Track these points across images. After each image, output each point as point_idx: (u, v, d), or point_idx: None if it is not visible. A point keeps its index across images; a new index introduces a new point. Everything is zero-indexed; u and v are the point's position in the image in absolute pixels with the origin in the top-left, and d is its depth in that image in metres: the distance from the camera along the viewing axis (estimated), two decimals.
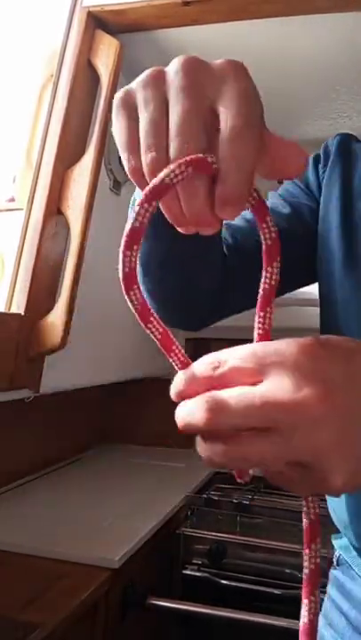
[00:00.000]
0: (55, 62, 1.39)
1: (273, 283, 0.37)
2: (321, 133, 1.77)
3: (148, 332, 0.37)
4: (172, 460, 2.01)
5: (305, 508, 0.37)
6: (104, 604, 1.14)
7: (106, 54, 1.39)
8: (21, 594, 1.03)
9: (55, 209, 1.38)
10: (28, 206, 1.37)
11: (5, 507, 1.46)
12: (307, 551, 0.37)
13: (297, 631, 0.37)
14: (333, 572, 0.76)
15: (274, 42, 1.39)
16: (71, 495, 1.59)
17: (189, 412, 0.33)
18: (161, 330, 0.37)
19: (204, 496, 1.62)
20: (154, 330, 0.37)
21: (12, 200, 1.43)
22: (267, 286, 0.37)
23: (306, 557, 0.37)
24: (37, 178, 1.37)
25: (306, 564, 0.37)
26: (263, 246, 0.36)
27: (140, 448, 2.20)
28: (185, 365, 0.36)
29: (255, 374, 0.32)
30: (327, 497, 0.75)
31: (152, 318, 0.36)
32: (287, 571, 1.35)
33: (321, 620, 0.74)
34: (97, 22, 1.41)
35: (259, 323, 0.37)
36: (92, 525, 1.35)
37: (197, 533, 1.46)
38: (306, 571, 0.37)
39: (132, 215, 0.35)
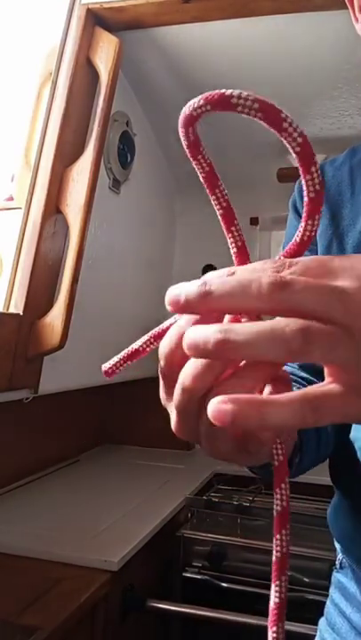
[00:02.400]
0: (54, 60, 1.38)
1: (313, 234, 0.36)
2: (323, 132, 1.77)
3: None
4: (173, 461, 2.00)
5: (276, 499, 0.37)
6: (103, 607, 1.13)
7: (105, 52, 1.38)
8: (20, 597, 1.02)
9: (54, 208, 1.37)
10: (26, 205, 1.36)
11: (4, 508, 1.45)
12: (276, 582, 0.37)
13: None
14: (336, 575, 0.75)
15: (275, 40, 1.38)
16: (70, 497, 1.58)
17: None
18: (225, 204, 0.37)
19: (205, 498, 1.61)
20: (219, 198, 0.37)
21: (11, 199, 1.43)
22: (305, 237, 0.36)
23: (276, 543, 0.37)
24: (36, 177, 1.37)
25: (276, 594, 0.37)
26: (306, 199, 0.34)
27: (140, 449, 2.19)
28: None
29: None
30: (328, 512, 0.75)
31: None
32: (288, 573, 1.33)
33: (323, 623, 0.73)
34: (96, 20, 1.40)
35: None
36: (91, 527, 1.34)
37: (198, 535, 1.45)
38: (277, 555, 0.37)
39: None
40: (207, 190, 0.37)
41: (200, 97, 0.33)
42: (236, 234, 0.38)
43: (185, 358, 0.34)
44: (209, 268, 2.15)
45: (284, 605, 0.37)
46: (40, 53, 1.42)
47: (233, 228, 0.38)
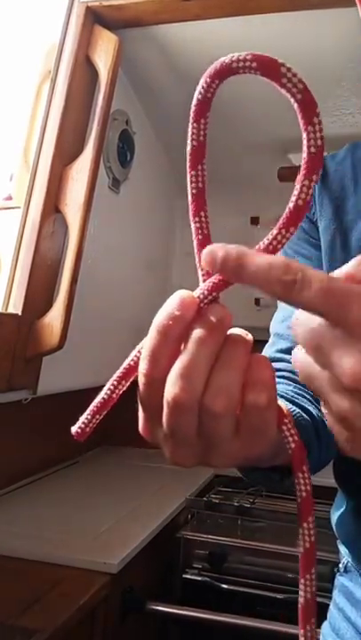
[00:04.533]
0: (53, 58, 1.37)
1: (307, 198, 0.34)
2: (325, 130, 1.75)
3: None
4: None
5: (301, 537, 0.37)
6: (103, 609, 1.12)
7: (105, 50, 1.37)
8: (19, 598, 1.01)
9: (53, 207, 1.36)
10: (25, 205, 1.35)
11: (3, 510, 1.44)
12: (302, 580, 0.37)
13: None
14: (340, 579, 0.74)
15: (276, 38, 1.37)
16: (69, 498, 1.58)
17: None
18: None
19: (205, 499, 1.60)
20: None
21: (10, 198, 1.42)
22: (300, 203, 0.34)
23: (301, 587, 0.37)
24: (35, 176, 1.36)
25: (301, 542, 0.37)
26: (305, 154, 0.33)
27: (140, 450, 2.18)
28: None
29: None
30: (331, 513, 0.74)
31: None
32: (289, 575, 1.33)
33: (327, 628, 0.73)
34: (95, 17, 1.39)
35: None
36: (90, 529, 1.33)
37: (198, 537, 1.45)
38: (301, 549, 0.37)
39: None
40: (189, 163, 0.36)
41: (247, 52, 0.31)
42: (203, 220, 0.37)
43: (168, 372, 0.35)
44: None
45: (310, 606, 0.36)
46: (39, 51, 1.41)
47: (202, 213, 0.36)
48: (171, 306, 0.35)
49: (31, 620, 0.94)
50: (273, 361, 0.72)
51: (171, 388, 0.35)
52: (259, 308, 2.01)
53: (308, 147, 0.31)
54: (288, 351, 0.71)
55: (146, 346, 0.36)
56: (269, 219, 2.09)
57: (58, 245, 1.40)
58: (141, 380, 0.37)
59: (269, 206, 2.06)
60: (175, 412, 0.35)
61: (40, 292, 1.36)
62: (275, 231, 0.34)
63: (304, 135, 0.31)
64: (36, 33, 1.42)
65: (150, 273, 2.01)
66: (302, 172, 0.32)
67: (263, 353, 0.75)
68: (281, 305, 0.78)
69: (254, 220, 2.12)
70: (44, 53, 1.40)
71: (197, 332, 0.35)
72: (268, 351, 0.74)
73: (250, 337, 0.37)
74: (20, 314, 1.31)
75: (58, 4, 1.38)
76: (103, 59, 1.37)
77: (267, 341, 0.76)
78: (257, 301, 2.04)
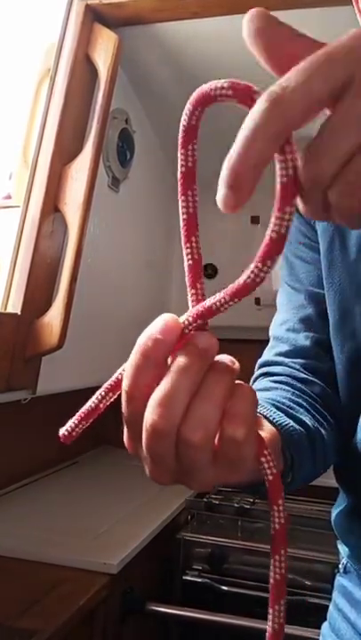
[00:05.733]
0: (52, 57, 1.37)
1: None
2: None
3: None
4: None
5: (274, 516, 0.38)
6: (103, 611, 1.12)
7: (104, 48, 1.37)
8: (17, 600, 1.01)
9: (52, 206, 1.36)
10: (24, 204, 1.35)
11: (1, 511, 1.43)
12: (270, 611, 0.37)
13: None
14: (340, 580, 0.74)
15: None
16: (69, 499, 1.57)
17: None
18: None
19: (205, 500, 1.60)
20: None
21: (9, 197, 1.42)
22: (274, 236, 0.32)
23: (269, 617, 0.37)
24: (34, 175, 1.35)
25: (271, 573, 0.37)
26: (278, 185, 0.31)
27: None
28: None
29: None
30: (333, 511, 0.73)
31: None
32: (290, 576, 1.33)
33: (327, 628, 0.73)
34: (95, 16, 1.39)
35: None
36: (89, 529, 1.33)
37: (198, 538, 1.44)
38: (272, 580, 0.37)
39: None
40: (180, 188, 0.35)
41: (226, 80, 0.30)
42: (194, 245, 0.36)
43: (149, 395, 0.35)
44: (209, 267, 2.14)
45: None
46: (38, 50, 1.41)
47: (193, 238, 0.36)
48: (154, 328, 0.35)
49: (30, 621, 0.94)
50: (272, 364, 0.71)
51: (149, 414, 0.34)
52: (259, 308, 2.00)
53: (281, 175, 0.30)
54: (288, 354, 0.71)
55: (128, 365, 0.36)
56: (270, 218, 2.09)
57: (57, 244, 1.40)
58: (123, 397, 0.37)
59: (270, 205, 2.05)
60: (153, 438, 0.35)
61: (39, 291, 1.35)
62: (252, 265, 0.32)
63: (276, 163, 0.30)
64: (36, 31, 1.41)
65: (150, 272, 2.00)
66: (276, 203, 0.31)
67: (263, 356, 0.75)
68: (280, 308, 0.77)
69: (255, 220, 2.11)
70: (43, 52, 1.40)
71: (180, 360, 0.34)
72: (268, 355, 0.74)
73: (236, 365, 0.36)
74: (19, 313, 1.30)
75: (57, 2, 1.38)
76: (103, 57, 1.37)
77: (267, 340, 0.76)
78: (257, 301, 2.03)
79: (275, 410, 0.56)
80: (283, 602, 0.37)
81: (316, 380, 0.68)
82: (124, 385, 0.36)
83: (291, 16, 1.29)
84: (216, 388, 0.35)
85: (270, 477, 0.37)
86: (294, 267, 0.75)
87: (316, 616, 0.78)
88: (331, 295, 0.68)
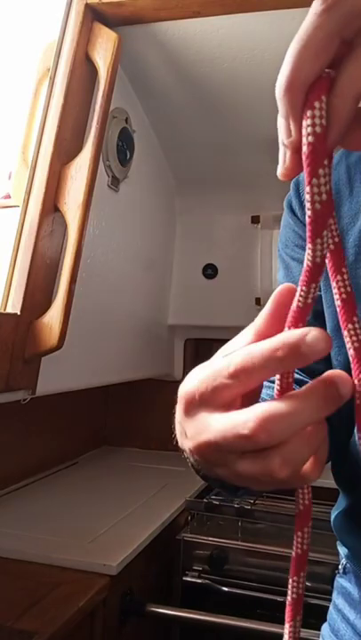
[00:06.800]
0: (52, 56, 1.36)
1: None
2: None
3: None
4: (172, 463, 1.98)
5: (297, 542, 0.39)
6: (102, 612, 1.12)
7: (104, 48, 1.36)
8: (17, 601, 1.01)
9: (52, 206, 1.35)
10: (24, 203, 1.34)
11: (1, 511, 1.43)
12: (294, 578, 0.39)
13: None
14: (339, 580, 0.74)
15: (277, 35, 1.36)
16: (68, 500, 1.57)
17: None
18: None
19: (205, 500, 1.59)
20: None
21: (8, 197, 1.41)
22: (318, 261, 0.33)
23: (291, 583, 0.39)
24: (34, 174, 1.35)
25: (294, 548, 0.39)
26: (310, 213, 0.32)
27: (139, 451, 2.18)
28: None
29: None
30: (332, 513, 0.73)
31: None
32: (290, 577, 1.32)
33: (326, 629, 0.73)
34: (95, 15, 1.38)
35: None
36: (89, 531, 1.32)
37: (198, 539, 1.44)
38: (293, 554, 0.39)
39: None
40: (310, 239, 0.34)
41: None
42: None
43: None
44: (209, 267, 2.13)
45: None
46: (38, 49, 1.40)
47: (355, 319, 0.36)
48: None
49: (30, 623, 0.94)
50: None
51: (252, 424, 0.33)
52: (260, 308, 1.99)
53: (312, 202, 0.31)
54: None
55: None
56: (270, 217, 2.08)
57: (57, 244, 1.39)
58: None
59: (270, 205, 2.05)
60: (241, 442, 0.34)
61: (39, 291, 1.35)
62: (299, 288, 0.34)
63: (307, 189, 0.31)
64: (35, 30, 1.41)
65: (150, 272, 2.00)
66: (308, 230, 0.32)
67: None
68: None
69: (255, 219, 2.11)
70: (42, 51, 1.39)
71: (319, 390, 0.34)
72: None
73: None
74: (18, 313, 1.30)
75: (57, 1, 1.37)
76: (102, 56, 1.36)
77: None
78: (258, 301, 2.03)
79: None
80: (303, 574, 0.38)
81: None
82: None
83: (296, 14, 1.29)
84: (320, 432, 0.35)
85: (301, 508, 0.39)
86: (290, 268, 0.75)
87: (316, 617, 0.77)
88: (329, 297, 0.67)
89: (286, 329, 0.35)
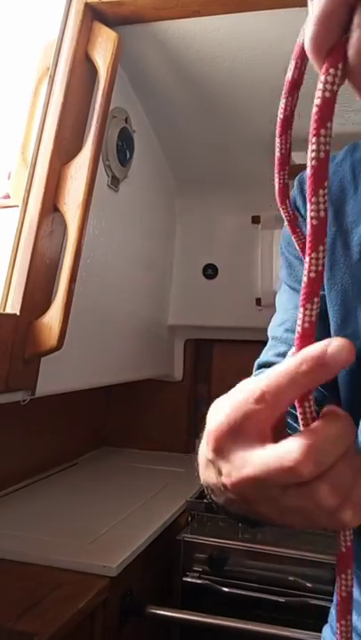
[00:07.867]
0: (52, 55, 1.36)
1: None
2: None
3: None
4: (172, 464, 1.98)
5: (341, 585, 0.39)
6: (102, 613, 1.11)
7: (104, 47, 1.36)
8: (16, 602, 1.00)
9: (51, 206, 1.35)
10: (23, 203, 1.34)
11: (0, 512, 1.43)
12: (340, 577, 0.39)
13: None
14: None
15: (278, 34, 1.36)
16: (68, 500, 1.57)
17: None
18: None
19: (205, 501, 1.58)
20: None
21: (7, 197, 1.41)
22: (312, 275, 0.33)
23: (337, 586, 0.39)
24: (33, 174, 1.34)
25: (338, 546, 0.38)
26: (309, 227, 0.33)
27: (139, 452, 2.17)
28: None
29: None
30: None
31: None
32: (291, 578, 1.32)
33: (327, 631, 0.72)
34: (95, 14, 1.38)
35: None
36: (89, 531, 1.32)
37: (198, 540, 1.44)
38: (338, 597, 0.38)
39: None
40: (278, 131, 0.36)
41: None
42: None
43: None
44: (209, 267, 2.13)
45: None
46: (37, 48, 1.40)
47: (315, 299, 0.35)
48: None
49: (29, 624, 0.93)
50: (271, 365, 0.70)
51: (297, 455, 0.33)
52: (260, 308, 1.99)
53: (311, 217, 0.31)
54: (286, 355, 0.70)
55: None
56: (270, 218, 2.08)
57: (56, 244, 1.39)
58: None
59: (270, 205, 2.04)
60: (286, 475, 0.34)
61: (38, 291, 1.34)
62: (300, 309, 0.34)
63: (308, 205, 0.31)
64: (35, 29, 1.41)
65: (150, 272, 1.99)
66: (308, 243, 0.32)
67: (261, 357, 0.74)
68: (279, 308, 0.77)
69: (255, 219, 2.10)
70: (42, 50, 1.39)
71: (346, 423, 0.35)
72: (266, 355, 0.73)
73: None
74: (18, 314, 1.30)
75: (56, 0, 1.37)
76: (102, 56, 1.36)
77: (267, 341, 0.75)
78: (258, 301, 2.02)
79: None
80: (350, 571, 0.38)
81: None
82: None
83: (302, 13, 1.28)
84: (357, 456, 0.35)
85: (343, 550, 0.39)
86: (294, 267, 0.75)
87: (316, 618, 0.77)
88: (333, 296, 0.67)
89: (294, 349, 0.34)
